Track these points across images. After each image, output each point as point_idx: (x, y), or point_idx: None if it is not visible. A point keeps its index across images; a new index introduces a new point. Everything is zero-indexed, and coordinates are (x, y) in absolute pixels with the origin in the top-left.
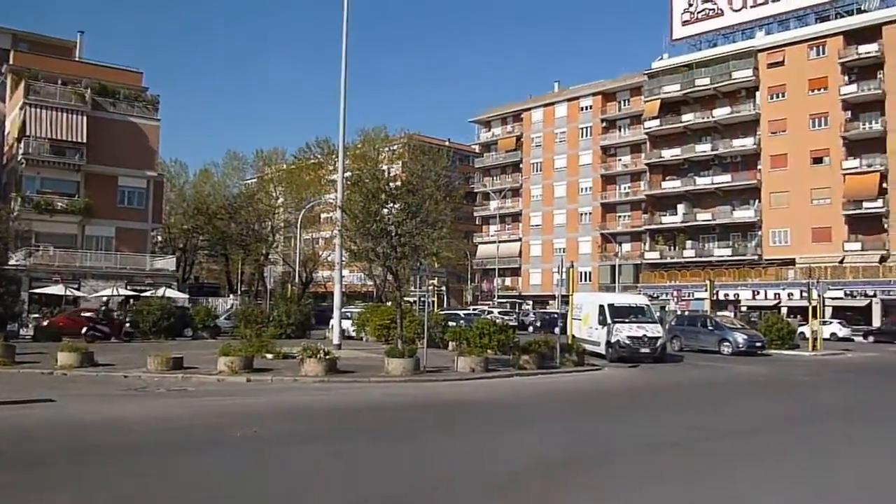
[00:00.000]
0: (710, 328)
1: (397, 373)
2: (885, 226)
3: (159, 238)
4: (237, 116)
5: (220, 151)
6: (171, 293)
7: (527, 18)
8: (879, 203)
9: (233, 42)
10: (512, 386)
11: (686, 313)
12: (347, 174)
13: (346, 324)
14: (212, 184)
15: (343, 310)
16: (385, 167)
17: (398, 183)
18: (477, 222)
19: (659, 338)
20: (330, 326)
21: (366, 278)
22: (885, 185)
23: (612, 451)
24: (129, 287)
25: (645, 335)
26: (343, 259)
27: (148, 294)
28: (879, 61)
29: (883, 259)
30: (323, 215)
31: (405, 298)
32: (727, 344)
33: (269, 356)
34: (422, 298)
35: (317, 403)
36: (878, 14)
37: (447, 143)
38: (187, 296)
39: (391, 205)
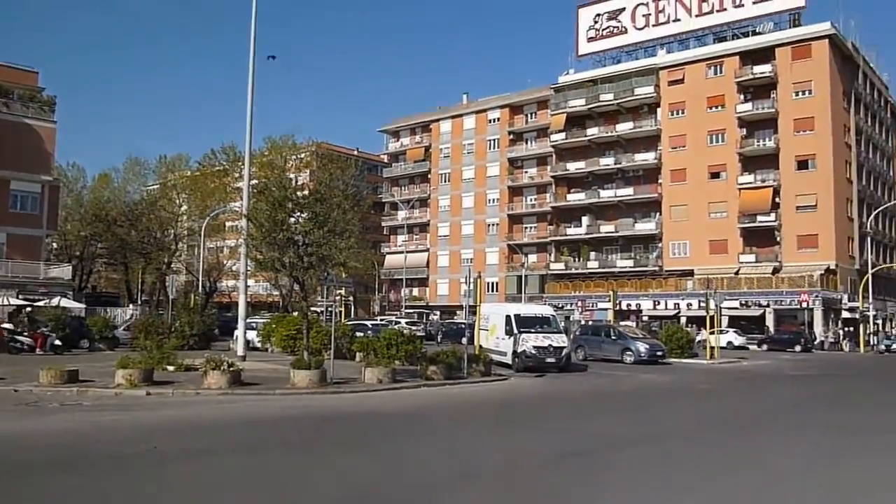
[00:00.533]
0: (613, 338)
1: (303, 385)
2: (778, 239)
3: (54, 245)
4: (143, 122)
5: (123, 157)
6: (67, 303)
7: (436, 29)
8: (772, 217)
9: (138, 47)
10: (419, 397)
11: (590, 323)
12: (254, 182)
13: (252, 335)
14: (111, 189)
15: (248, 320)
16: (292, 175)
17: (305, 192)
18: (385, 232)
19: (564, 348)
20: (234, 337)
21: (272, 288)
22: (777, 199)
23: (518, 461)
24: (20, 296)
25: (550, 345)
26: (249, 268)
27: (41, 304)
28: (773, 81)
29: (776, 270)
30: (228, 224)
31: (312, 309)
32: (630, 353)
33: (171, 368)
34: (329, 309)
35: (219, 417)
36: (771, 36)
37: (356, 153)
38: (84, 306)
39: (298, 214)
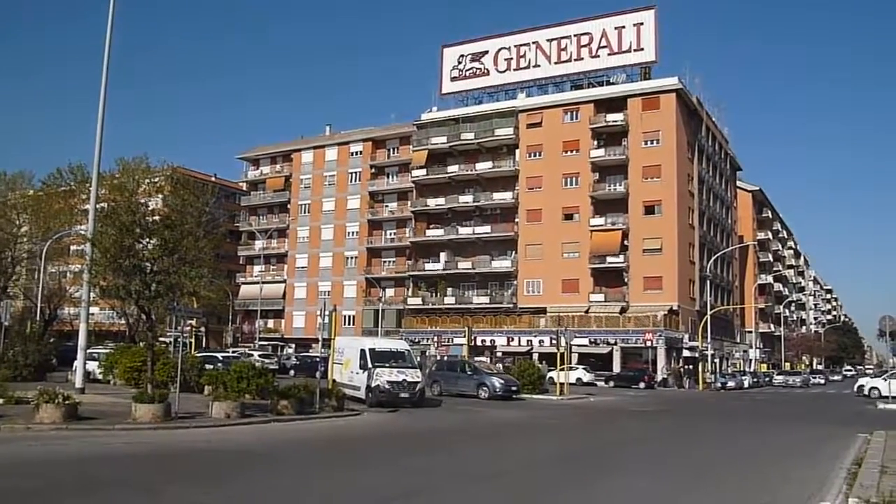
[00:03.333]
0: (468, 373)
1: (146, 419)
2: (626, 279)
3: None
4: None
5: None
6: None
7: (301, 60)
8: (621, 259)
9: None
10: (268, 432)
11: (445, 358)
12: (102, 205)
13: (93, 365)
14: None
15: (90, 350)
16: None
17: (156, 217)
18: (241, 262)
19: (418, 383)
20: (74, 368)
21: (118, 317)
22: (626, 242)
23: (364, 501)
24: None
25: (405, 380)
26: (93, 295)
27: None
28: (624, 129)
29: (623, 310)
30: (73, 247)
31: (160, 339)
32: (485, 388)
33: (0, 401)
34: (178, 339)
35: (50, 455)
36: (624, 87)
37: (213, 179)
38: None
39: (147, 240)
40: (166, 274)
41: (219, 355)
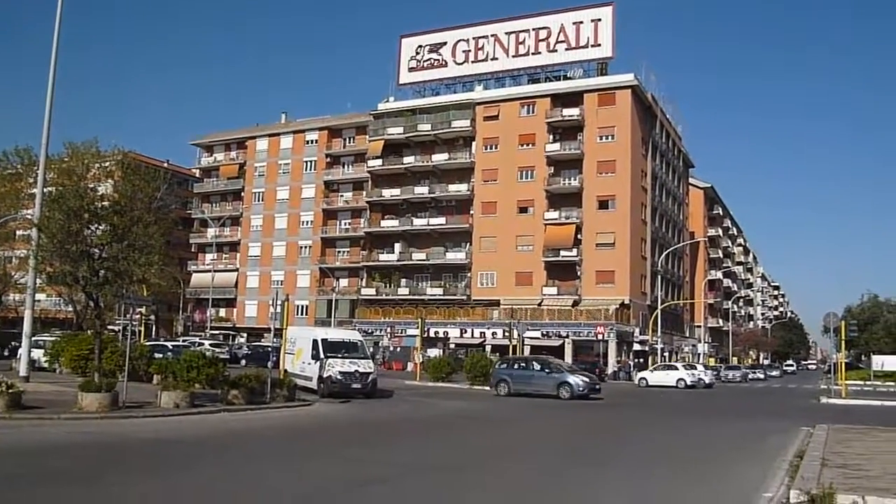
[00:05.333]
0: (545, 371)
1: (92, 408)
2: (578, 273)
3: None
4: None
5: None
6: None
7: (258, 47)
8: (574, 252)
9: None
10: (217, 423)
11: (510, 354)
12: (50, 189)
13: (38, 353)
14: None
15: (35, 338)
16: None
17: (106, 203)
18: (193, 250)
19: (371, 373)
20: (18, 356)
21: (66, 304)
22: (579, 236)
23: (315, 492)
24: None
25: (357, 371)
26: (39, 282)
27: None
28: (580, 124)
29: (575, 303)
30: (19, 232)
31: (109, 327)
32: (567, 388)
33: None
34: (128, 328)
35: None
36: (580, 82)
37: (165, 165)
38: None
39: (96, 225)
40: (115, 260)
41: (169, 344)
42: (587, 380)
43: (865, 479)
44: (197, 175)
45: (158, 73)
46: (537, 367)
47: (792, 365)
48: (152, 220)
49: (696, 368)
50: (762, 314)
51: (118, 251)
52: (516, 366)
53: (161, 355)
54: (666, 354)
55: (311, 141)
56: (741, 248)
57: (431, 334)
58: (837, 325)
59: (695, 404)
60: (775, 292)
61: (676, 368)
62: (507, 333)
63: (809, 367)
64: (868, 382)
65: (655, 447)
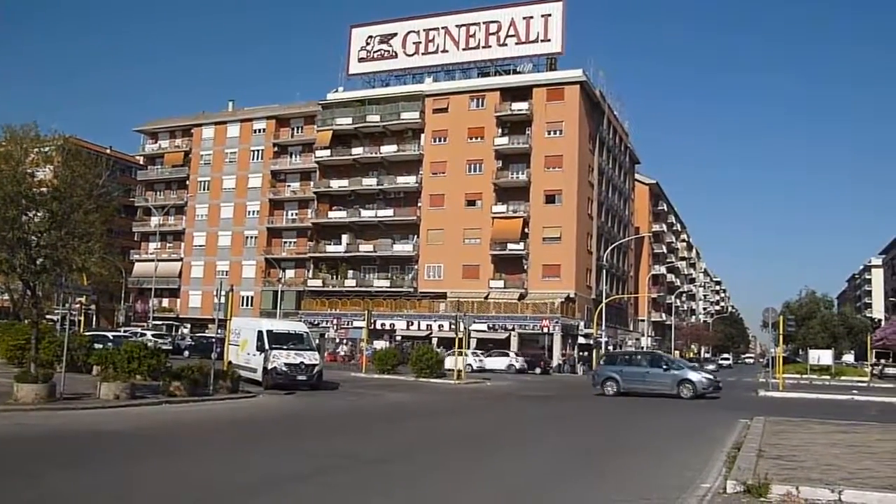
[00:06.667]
0: (662, 367)
1: (28, 400)
2: (525, 267)
3: None
4: None
5: None
6: None
7: (206, 33)
8: (521, 246)
9: None
10: (158, 414)
11: (617, 349)
12: None
13: None
14: None
15: None
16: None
17: (44, 189)
18: (136, 238)
19: (316, 365)
20: None
21: (1, 292)
22: (526, 230)
23: (258, 482)
24: None
25: (302, 362)
26: None
27: None
28: (529, 119)
29: (522, 297)
30: None
31: (46, 316)
32: (688, 386)
33: None
34: (66, 317)
35: None
36: (529, 77)
37: (108, 151)
38: None
39: (34, 212)
40: (53, 248)
41: (109, 335)
42: (710, 377)
43: (799, 470)
44: (141, 162)
45: (103, 57)
46: (650, 362)
47: (728, 359)
48: (93, 208)
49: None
50: (704, 309)
51: (57, 239)
52: (626, 362)
53: (101, 346)
54: (610, 348)
55: (259, 130)
56: (685, 244)
57: (378, 326)
58: (776, 320)
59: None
60: (717, 287)
61: (508, 354)
62: (453, 326)
63: (747, 360)
64: (805, 376)
65: (597, 438)
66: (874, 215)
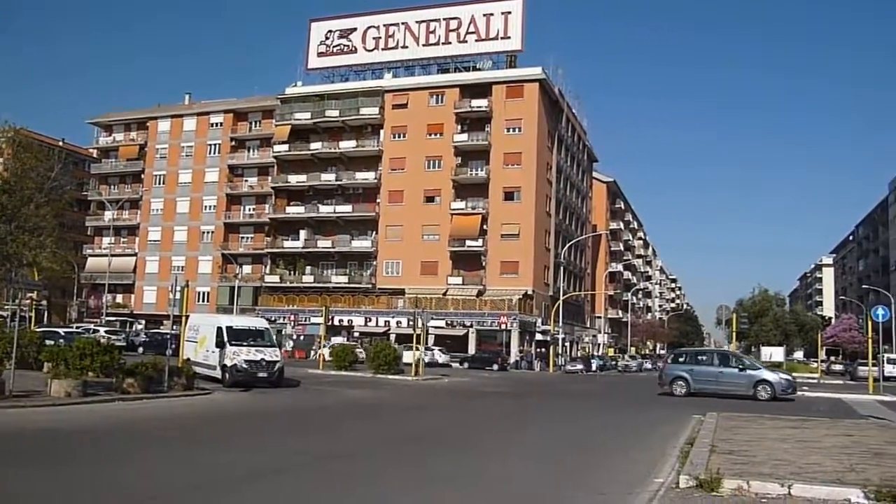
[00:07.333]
0: (736, 367)
1: None
2: (483, 263)
3: None
4: None
5: None
6: None
7: (162, 25)
8: (480, 243)
9: None
10: (111, 412)
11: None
12: None
13: None
14: None
15: None
16: None
17: None
18: (89, 233)
19: (277, 362)
20: None
21: None
22: (485, 226)
23: (208, 482)
24: None
25: (263, 359)
26: None
27: None
28: (488, 115)
29: (480, 293)
30: None
31: None
32: (766, 387)
33: None
34: (16, 313)
35: None
36: (489, 74)
37: (61, 144)
38: None
39: None
40: (3, 242)
41: (61, 331)
42: (787, 377)
43: (751, 465)
44: (94, 155)
45: (56, 46)
46: (722, 361)
47: None
48: (44, 201)
49: None
50: (660, 306)
51: (6, 232)
52: (696, 360)
53: (52, 342)
54: (567, 344)
55: (216, 124)
56: (641, 242)
57: (336, 322)
58: (729, 318)
59: (595, 392)
60: (672, 285)
61: (432, 350)
62: (411, 322)
63: None
64: None
65: (555, 435)
66: (826, 215)
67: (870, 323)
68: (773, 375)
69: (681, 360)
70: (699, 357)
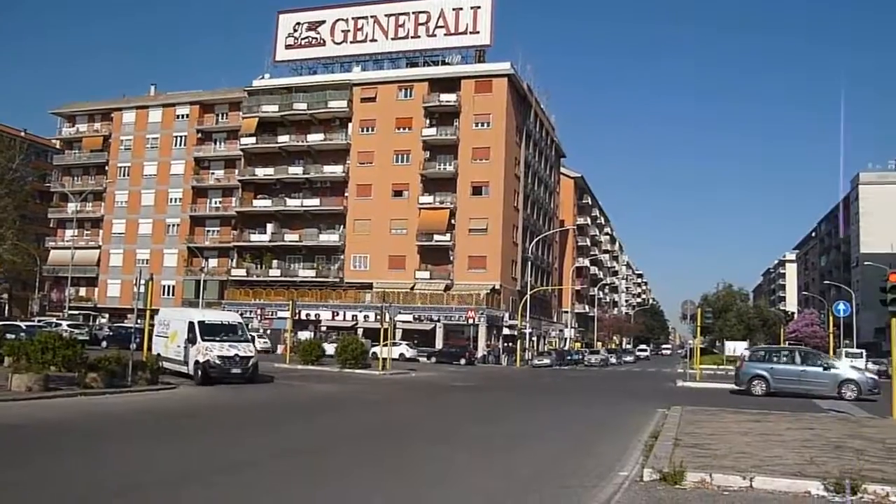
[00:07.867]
0: (821, 367)
1: None
2: (451, 258)
3: None
4: None
5: None
6: None
7: (127, 14)
8: (447, 237)
9: None
10: (72, 407)
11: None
12: None
13: None
14: None
15: None
16: None
17: None
18: (51, 225)
19: (251, 357)
20: None
21: None
22: (453, 221)
23: (184, 474)
24: None
25: (237, 354)
26: None
27: None
28: (457, 110)
29: (447, 288)
30: None
31: None
32: (852, 387)
33: None
34: None
35: None
36: (458, 68)
37: (22, 134)
38: None
39: None
40: None
41: (22, 324)
42: (873, 376)
43: (713, 458)
44: (57, 146)
45: (17, 35)
46: (804, 359)
47: (645, 350)
48: (5, 193)
49: None
50: (626, 301)
51: None
52: (777, 359)
53: (14, 336)
54: (535, 339)
55: (182, 115)
56: (608, 237)
57: (303, 317)
58: (694, 313)
59: (562, 386)
60: (639, 280)
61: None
62: (379, 317)
63: (663, 352)
64: (721, 367)
65: (522, 429)
66: (789, 211)
67: (831, 318)
68: (859, 375)
69: (759, 358)
70: (780, 355)
